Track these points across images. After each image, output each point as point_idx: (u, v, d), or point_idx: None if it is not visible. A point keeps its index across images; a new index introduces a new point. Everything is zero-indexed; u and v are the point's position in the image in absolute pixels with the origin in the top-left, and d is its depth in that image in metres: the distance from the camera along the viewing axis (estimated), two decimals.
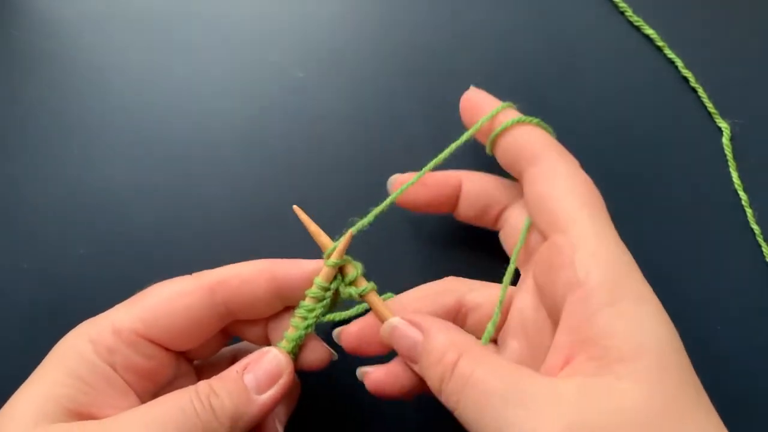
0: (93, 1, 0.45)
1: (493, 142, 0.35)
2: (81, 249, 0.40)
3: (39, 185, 0.41)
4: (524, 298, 0.33)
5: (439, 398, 0.29)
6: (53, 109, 0.43)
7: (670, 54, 0.44)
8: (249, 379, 0.30)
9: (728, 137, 0.42)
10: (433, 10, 0.45)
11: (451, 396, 0.27)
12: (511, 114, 0.34)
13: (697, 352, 0.38)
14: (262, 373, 0.30)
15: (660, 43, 0.44)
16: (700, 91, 0.43)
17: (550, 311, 0.31)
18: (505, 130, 0.34)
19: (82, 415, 0.28)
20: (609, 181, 0.42)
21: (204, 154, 0.42)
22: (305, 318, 0.32)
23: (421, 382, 0.31)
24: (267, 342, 0.34)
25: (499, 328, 0.34)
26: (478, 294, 0.34)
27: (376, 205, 0.34)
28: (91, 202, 0.41)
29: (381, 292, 0.34)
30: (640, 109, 0.43)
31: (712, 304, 0.40)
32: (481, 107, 0.35)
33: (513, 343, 0.33)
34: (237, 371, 0.30)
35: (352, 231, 0.33)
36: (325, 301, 0.32)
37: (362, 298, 0.33)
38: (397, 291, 0.35)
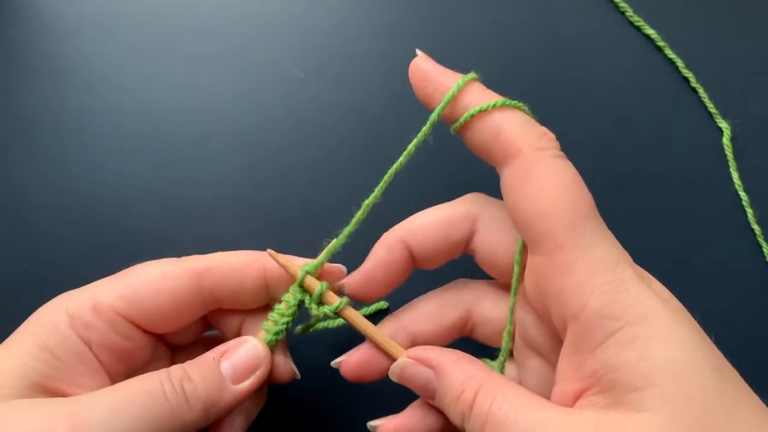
0: (93, 1, 0.45)
1: (463, 123, 0.30)
2: (81, 249, 0.40)
3: (39, 185, 0.41)
4: (524, 318, 0.31)
5: None
6: (53, 109, 0.43)
7: (670, 54, 0.44)
8: (225, 366, 0.29)
9: (728, 137, 0.42)
10: (432, 9, 0.45)
11: None
12: (478, 89, 0.30)
13: None
14: (239, 362, 0.29)
15: (660, 44, 0.44)
16: (700, 91, 0.43)
17: (553, 329, 0.29)
18: (478, 113, 0.29)
19: (48, 391, 0.27)
20: (609, 181, 0.42)
21: (204, 154, 0.42)
22: (276, 323, 0.31)
23: (441, 424, 0.30)
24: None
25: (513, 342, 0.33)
26: (485, 308, 0.33)
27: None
28: (91, 202, 0.41)
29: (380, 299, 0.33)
30: (641, 110, 0.43)
31: (712, 304, 0.40)
32: (435, 81, 0.31)
33: (530, 363, 0.31)
34: (213, 357, 0.29)
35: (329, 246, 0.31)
36: (292, 310, 0.31)
37: (339, 314, 0.31)
38: (397, 296, 0.34)
